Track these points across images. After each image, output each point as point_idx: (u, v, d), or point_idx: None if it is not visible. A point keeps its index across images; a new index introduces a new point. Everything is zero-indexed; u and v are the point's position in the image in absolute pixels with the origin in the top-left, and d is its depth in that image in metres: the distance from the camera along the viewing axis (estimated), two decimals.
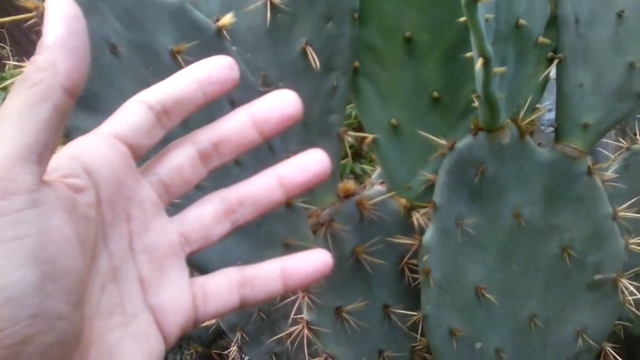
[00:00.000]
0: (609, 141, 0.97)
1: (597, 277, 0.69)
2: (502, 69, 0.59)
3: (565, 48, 0.65)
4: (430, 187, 0.68)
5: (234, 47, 0.58)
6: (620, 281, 0.69)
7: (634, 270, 0.70)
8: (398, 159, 0.70)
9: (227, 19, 0.56)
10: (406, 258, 0.69)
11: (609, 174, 0.70)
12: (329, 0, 0.62)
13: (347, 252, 0.68)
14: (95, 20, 0.48)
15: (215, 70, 0.33)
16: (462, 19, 0.55)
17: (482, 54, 0.55)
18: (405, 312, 0.70)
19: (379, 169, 0.86)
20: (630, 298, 0.70)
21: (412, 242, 0.67)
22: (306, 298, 0.65)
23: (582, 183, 0.68)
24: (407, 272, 0.70)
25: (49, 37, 0.27)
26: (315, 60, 0.61)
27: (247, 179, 0.35)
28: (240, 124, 0.34)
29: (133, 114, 0.32)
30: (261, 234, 0.59)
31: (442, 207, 0.66)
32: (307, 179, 0.35)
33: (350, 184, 0.68)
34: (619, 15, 0.66)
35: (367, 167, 1.25)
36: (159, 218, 0.33)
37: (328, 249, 0.67)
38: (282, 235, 0.61)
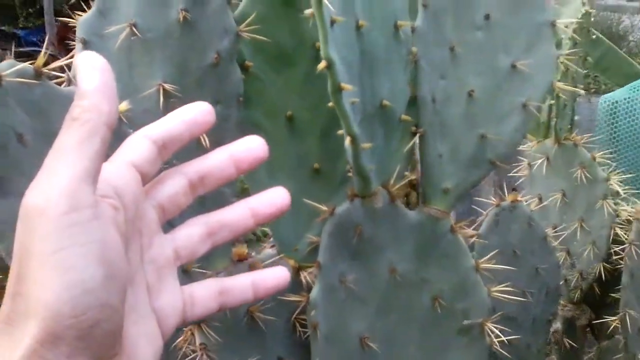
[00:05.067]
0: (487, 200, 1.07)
1: (466, 322, 0.78)
2: (369, 145, 0.67)
3: (425, 124, 0.75)
4: (315, 249, 0.75)
5: (130, 130, 0.65)
6: (486, 325, 0.78)
7: (497, 314, 0.80)
8: (287, 224, 0.77)
9: (123, 105, 0.62)
10: (296, 314, 0.76)
11: (472, 231, 0.80)
12: (216, 86, 0.70)
13: (241, 312, 0.74)
14: (3, 112, 0.54)
15: (199, 113, 0.40)
16: (331, 103, 0.63)
17: (349, 133, 0.64)
18: None
19: None
20: (496, 340, 0.79)
21: (300, 299, 0.74)
22: (204, 355, 0.70)
23: (446, 240, 0.77)
24: (298, 327, 0.77)
25: (89, 85, 0.34)
26: (205, 139, 0.68)
27: (225, 208, 0.43)
28: (222, 161, 0.41)
29: (142, 146, 0.38)
30: None
31: (325, 266, 0.73)
32: (274, 210, 0.43)
33: (243, 249, 0.75)
34: (470, 95, 0.77)
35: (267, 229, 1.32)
36: (158, 235, 0.40)
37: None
38: None
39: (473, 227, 0.81)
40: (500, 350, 0.80)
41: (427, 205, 0.77)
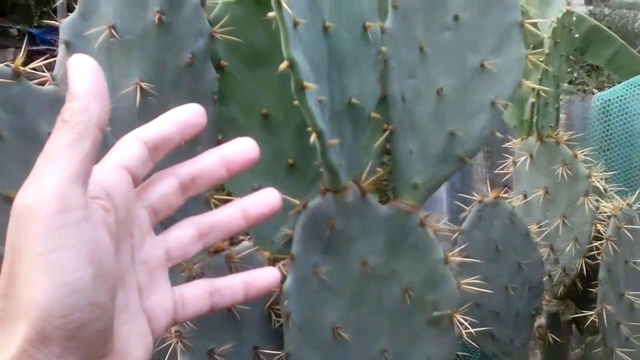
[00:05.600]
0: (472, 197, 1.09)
1: (435, 314, 0.81)
2: (336, 141, 0.70)
3: (395, 121, 0.78)
4: (289, 241, 0.78)
5: (108, 128, 0.68)
6: (455, 317, 0.81)
7: (466, 305, 0.82)
8: None
9: None
10: (269, 303, 0.79)
11: (441, 225, 0.82)
12: (191, 85, 0.73)
13: None
14: None
15: (191, 115, 0.40)
16: (296, 102, 0.66)
17: (314, 129, 0.67)
18: (271, 352, 0.79)
19: None
20: (464, 332, 0.81)
21: (275, 289, 0.77)
22: (179, 343, 0.73)
23: (416, 233, 0.80)
24: (273, 316, 0.80)
25: (80, 87, 0.35)
26: None
27: (217, 209, 0.43)
28: (213, 163, 0.42)
29: (133, 148, 0.39)
30: None
31: (298, 257, 0.76)
32: (265, 211, 0.43)
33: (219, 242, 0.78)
34: (439, 93, 0.79)
35: None
36: (149, 236, 0.41)
37: None
38: None
39: (441, 222, 0.83)
40: (470, 341, 0.82)
41: (397, 199, 0.80)
